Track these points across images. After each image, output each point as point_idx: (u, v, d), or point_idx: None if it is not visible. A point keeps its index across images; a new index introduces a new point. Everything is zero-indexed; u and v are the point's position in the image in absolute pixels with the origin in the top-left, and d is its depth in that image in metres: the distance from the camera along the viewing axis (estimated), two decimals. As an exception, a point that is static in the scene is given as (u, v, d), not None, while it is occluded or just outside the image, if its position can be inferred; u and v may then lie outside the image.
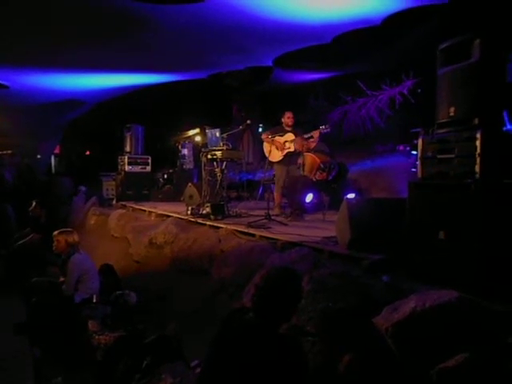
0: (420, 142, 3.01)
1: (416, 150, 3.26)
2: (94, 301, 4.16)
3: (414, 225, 2.92)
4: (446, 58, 2.89)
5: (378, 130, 7.61)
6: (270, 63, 7.45)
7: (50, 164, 11.62)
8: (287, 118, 6.04)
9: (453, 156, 2.75)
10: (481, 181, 2.54)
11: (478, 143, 2.58)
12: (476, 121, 2.65)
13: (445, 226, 2.69)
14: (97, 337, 3.45)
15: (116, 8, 4.92)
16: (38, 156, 10.70)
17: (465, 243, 2.55)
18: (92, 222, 7.73)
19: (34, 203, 6.41)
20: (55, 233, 4.34)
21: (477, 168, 2.57)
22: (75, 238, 4.32)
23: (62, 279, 4.37)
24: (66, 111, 10.20)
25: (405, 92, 7.10)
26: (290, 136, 5.96)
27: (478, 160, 2.57)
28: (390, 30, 5.67)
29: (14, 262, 5.73)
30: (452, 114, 2.80)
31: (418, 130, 3.18)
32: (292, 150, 5.92)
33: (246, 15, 5.21)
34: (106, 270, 4.85)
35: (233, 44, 6.35)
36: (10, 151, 6.93)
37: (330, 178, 5.88)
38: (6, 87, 8.47)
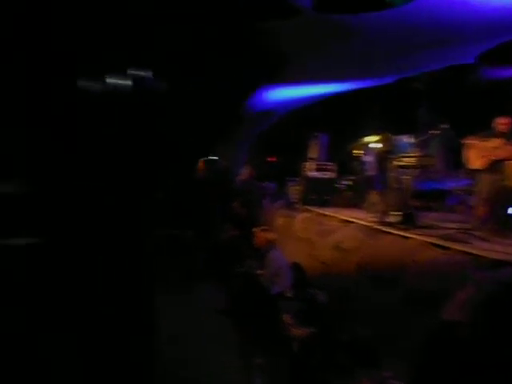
0: None
1: None
2: (287, 295, 4.52)
3: None
4: None
5: None
6: (471, 60, 6.80)
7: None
8: (499, 125, 5.30)
9: None
10: None
11: None
12: None
13: None
14: (292, 329, 3.74)
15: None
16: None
17: None
18: (280, 222, 8.36)
19: (236, 203, 7.32)
20: (257, 229, 4.88)
21: None
22: (273, 235, 4.78)
23: (259, 272, 4.89)
24: (260, 122, 11.29)
25: None
26: (498, 142, 5.29)
27: None
28: None
29: (218, 255, 6.63)
30: None
31: None
32: (500, 158, 5.25)
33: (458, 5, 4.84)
34: (296, 268, 5.20)
35: (437, 40, 5.97)
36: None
37: None
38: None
